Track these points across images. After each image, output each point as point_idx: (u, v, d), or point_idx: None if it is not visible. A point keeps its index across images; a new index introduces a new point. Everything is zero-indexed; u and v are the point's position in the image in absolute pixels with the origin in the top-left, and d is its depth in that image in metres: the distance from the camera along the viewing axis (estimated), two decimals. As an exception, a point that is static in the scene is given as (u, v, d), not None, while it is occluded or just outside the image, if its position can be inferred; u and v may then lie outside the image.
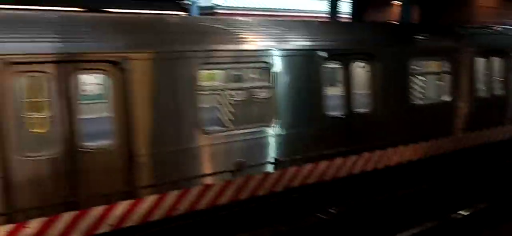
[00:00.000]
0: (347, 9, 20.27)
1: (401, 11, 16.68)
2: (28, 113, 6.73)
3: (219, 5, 31.20)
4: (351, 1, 19.88)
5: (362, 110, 9.63)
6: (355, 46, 9.67)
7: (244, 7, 31.90)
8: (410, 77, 10.40)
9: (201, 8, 25.88)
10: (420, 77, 10.88)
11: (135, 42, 7.16)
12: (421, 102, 10.81)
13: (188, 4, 11.83)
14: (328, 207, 8.67)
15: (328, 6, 19.29)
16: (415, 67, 10.55)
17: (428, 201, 9.55)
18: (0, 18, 6.71)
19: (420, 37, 11.24)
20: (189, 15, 14.28)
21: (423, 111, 10.71)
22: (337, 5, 18.93)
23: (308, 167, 8.48)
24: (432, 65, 11.49)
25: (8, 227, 5.88)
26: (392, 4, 19.53)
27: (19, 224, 5.94)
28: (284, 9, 33.83)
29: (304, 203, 8.53)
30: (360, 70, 9.73)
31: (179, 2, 10.24)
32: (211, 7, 30.78)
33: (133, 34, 7.31)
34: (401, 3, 17.52)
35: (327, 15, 20.16)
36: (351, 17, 19.87)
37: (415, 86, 10.63)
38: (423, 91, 11.00)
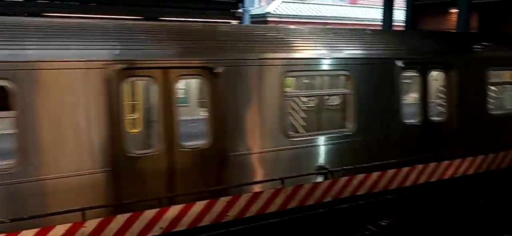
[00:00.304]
0: (401, 17, 19.86)
1: (459, 20, 16.14)
2: (135, 114, 7.67)
3: (270, 13, 31.36)
4: (406, 9, 19.46)
5: (438, 119, 9.81)
6: (433, 55, 9.84)
7: (295, 15, 31.93)
8: (486, 86, 10.37)
9: (253, 16, 26.14)
10: (495, 87, 10.87)
11: (228, 51, 7.81)
12: (497, 111, 10.72)
13: (240, 12, 12.02)
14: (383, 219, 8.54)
15: (382, 14, 18.95)
16: (491, 76, 10.49)
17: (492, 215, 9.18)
18: (116, 27, 7.54)
19: (495, 47, 11.15)
20: (241, 23, 14.47)
21: (499, 121, 10.63)
22: (392, 13, 18.56)
23: (378, 174, 8.47)
24: (507, 75, 11.35)
25: (68, 225, 6.14)
26: (450, 12, 18.94)
27: (78, 222, 6.19)
28: (336, 17, 33.52)
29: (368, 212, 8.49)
30: (436, 79, 10.00)
31: (233, 10, 10.41)
32: (263, 15, 31.01)
33: (226, 43, 7.97)
34: (458, 11, 16.96)
35: (380, 23, 19.81)
36: (405, 25, 19.45)
37: (491, 96, 10.61)
38: (498, 101, 11.04)
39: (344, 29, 11.89)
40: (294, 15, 32.00)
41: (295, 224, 7.78)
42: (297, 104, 9.17)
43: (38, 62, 6.39)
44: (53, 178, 6.53)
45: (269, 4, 33.30)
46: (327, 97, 9.96)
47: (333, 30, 10.26)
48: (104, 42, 7.00)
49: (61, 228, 6.06)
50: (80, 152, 6.68)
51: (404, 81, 9.49)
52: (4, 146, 6.76)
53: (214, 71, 7.47)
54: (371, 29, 10.80)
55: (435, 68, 9.88)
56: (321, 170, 8.29)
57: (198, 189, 7.30)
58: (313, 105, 9.86)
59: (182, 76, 7.52)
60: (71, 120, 6.62)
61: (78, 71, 6.61)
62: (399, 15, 19.94)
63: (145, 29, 7.80)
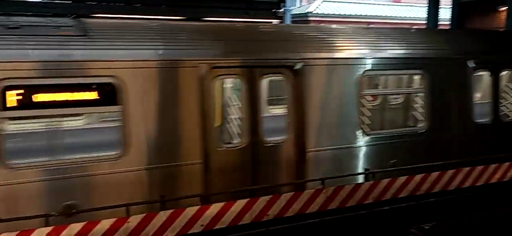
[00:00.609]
0: (446, 15, 19.34)
1: (509, 18, 15.58)
2: (223, 110, 8.24)
3: (311, 13, 31.21)
4: (451, 8, 18.93)
5: (509, 119, 9.96)
6: (504, 54, 9.85)
7: (336, 15, 31.63)
8: None
9: (294, 15, 26.07)
10: None
11: (309, 51, 8.18)
12: None
13: (282, 12, 12.04)
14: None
15: (427, 13, 18.51)
16: None
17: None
18: (204, 29, 8.17)
19: None
20: (282, 22, 14.47)
21: None
22: (437, 12, 18.10)
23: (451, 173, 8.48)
24: None
25: (112, 220, 6.32)
26: (499, 10, 18.29)
27: (122, 218, 6.36)
28: (378, 16, 32.99)
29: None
30: (507, 78, 10.03)
31: (275, 10, 10.47)
32: (305, 15, 30.89)
33: (307, 44, 8.39)
34: (508, 9, 16.37)
35: (424, 22, 19.36)
36: (450, 24, 18.92)
37: None
38: None
39: (418, 29, 12.12)
40: (335, 14, 31.71)
41: (341, 225, 7.78)
42: (373, 102, 9.53)
43: (141, 61, 6.96)
44: (153, 168, 7.06)
45: (310, 3, 33.15)
46: (400, 95, 10.31)
47: (407, 31, 10.62)
48: (196, 43, 7.58)
49: (106, 223, 6.24)
50: (177, 145, 7.22)
51: (475, 80, 9.62)
52: (111, 137, 7.23)
53: (294, 68, 7.82)
54: (441, 29, 10.87)
55: (506, 68, 9.91)
56: (394, 167, 8.43)
57: (278, 182, 7.71)
58: (388, 103, 10.28)
59: (265, 74, 7.91)
60: (170, 114, 7.18)
61: (176, 69, 7.18)
62: (444, 13, 19.42)
63: (230, 30, 8.47)
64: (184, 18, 9.54)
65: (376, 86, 9.92)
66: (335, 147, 8.28)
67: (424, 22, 19.11)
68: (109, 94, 6.82)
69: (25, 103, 6.36)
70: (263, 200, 7.17)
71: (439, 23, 18.17)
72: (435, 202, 8.50)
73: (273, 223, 7.27)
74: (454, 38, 10.17)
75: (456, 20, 18.50)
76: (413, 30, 10.66)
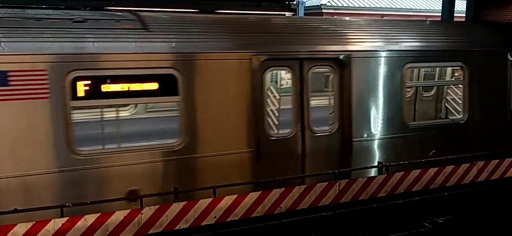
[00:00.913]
0: (462, 7, 19.07)
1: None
2: (274, 101, 8.60)
3: (325, 5, 31.01)
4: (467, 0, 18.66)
5: None
6: None
7: (349, 7, 31.41)
8: None
9: (307, 8, 25.95)
10: None
11: (355, 43, 8.55)
12: None
13: (295, 4, 11.96)
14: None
15: (442, 4, 18.26)
16: None
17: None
18: (256, 22, 8.58)
19: None
20: (294, 15, 14.38)
21: None
22: (453, 4, 17.85)
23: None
24: None
25: (126, 212, 6.38)
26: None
27: (136, 210, 6.42)
28: (392, 8, 32.67)
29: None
30: None
31: (288, 2, 10.43)
32: (318, 7, 30.70)
33: (353, 36, 8.66)
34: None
35: (439, 15, 19.12)
36: (465, 16, 18.66)
37: None
38: None
39: (458, 22, 12.49)
40: (349, 6, 31.49)
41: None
42: (414, 94, 9.86)
43: (199, 53, 7.34)
44: (208, 156, 7.45)
45: (323, -5, 32.89)
46: (440, 87, 10.54)
47: (447, 24, 11.12)
48: (249, 36, 7.94)
49: (120, 214, 6.30)
50: (231, 134, 7.61)
51: None
52: (171, 127, 7.71)
53: (341, 60, 8.20)
54: (481, 21, 11.61)
55: None
56: (434, 158, 8.59)
57: (325, 171, 7.84)
58: (429, 94, 10.52)
59: (314, 66, 8.18)
60: (224, 105, 7.56)
61: (232, 61, 7.55)
62: (459, 5, 19.16)
63: (281, 24, 8.77)
64: (196, 11, 9.52)
65: (417, 78, 10.18)
66: (379, 137, 8.60)
67: (439, 14, 18.87)
68: (170, 85, 7.16)
69: (92, 93, 6.75)
70: (276, 193, 7.18)
71: (455, 15, 17.93)
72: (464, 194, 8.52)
73: (285, 216, 7.28)
74: (494, 31, 10.38)
75: (472, 12, 18.22)
76: (453, 23, 11.05)
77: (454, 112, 9.85)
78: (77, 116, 6.90)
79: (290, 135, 8.07)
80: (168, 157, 7.23)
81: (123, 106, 7.66)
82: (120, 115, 7.58)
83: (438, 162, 8.41)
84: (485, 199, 8.76)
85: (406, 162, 8.22)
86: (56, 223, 5.94)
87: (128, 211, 6.36)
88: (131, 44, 7.00)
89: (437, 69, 10.29)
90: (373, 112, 8.55)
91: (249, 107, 7.65)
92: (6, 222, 5.75)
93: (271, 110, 8.83)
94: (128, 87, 6.96)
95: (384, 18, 13.71)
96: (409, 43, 8.94)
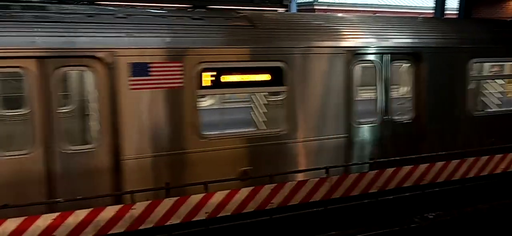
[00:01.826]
0: (453, 5, 19.17)
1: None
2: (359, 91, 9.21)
3: (317, 1, 31.00)
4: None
5: None
6: None
7: (341, 3, 31.41)
8: None
9: (299, 4, 25.86)
10: None
11: (429, 39, 9.41)
12: None
13: (287, 0, 11.93)
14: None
15: (434, 2, 18.35)
16: None
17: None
18: (342, 21, 9.40)
19: None
20: (287, 11, 14.33)
21: None
22: (444, 1, 17.94)
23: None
24: None
25: (118, 207, 6.36)
26: (508, 0, 18.09)
27: (127, 205, 6.41)
28: (384, 5, 32.73)
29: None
30: None
31: (281, -4, 10.47)
32: (311, 3, 30.68)
33: (426, 33, 9.53)
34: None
35: (432, 12, 19.22)
36: (458, 13, 18.76)
37: None
38: None
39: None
40: (340, 3, 31.49)
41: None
42: (480, 86, 10.56)
43: (305, 48, 8.20)
44: (309, 141, 8.26)
45: (315, -9, 32.85)
46: (499, 79, 11.26)
47: (505, 23, 12.01)
48: (345, 33, 8.82)
49: (111, 210, 6.31)
50: (328, 121, 8.44)
51: None
52: (277, 115, 8.48)
53: (418, 55, 9.09)
54: None
55: None
56: (492, 146, 9.12)
57: (401, 156, 8.50)
58: (489, 86, 11.07)
59: (395, 60, 9.06)
60: (324, 95, 8.39)
61: (330, 56, 8.42)
62: (451, 3, 19.27)
63: (368, 22, 9.63)
64: (191, 6, 9.46)
65: (480, 71, 10.73)
66: (450, 127, 9.44)
67: (432, 11, 18.96)
68: (278, 77, 7.99)
69: (215, 83, 7.62)
70: (267, 188, 7.20)
71: (446, 12, 18.02)
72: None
73: (276, 211, 7.31)
74: None
75: (463, 10, 18.32)
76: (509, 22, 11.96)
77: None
78: (203, 103, 7.87)
79: (374, 123, 8.91)
80: (275, 142, 8.02)
81: (237, 95, 8.73)
82: (235, 103, 8.67)
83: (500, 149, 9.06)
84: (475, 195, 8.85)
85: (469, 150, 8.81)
86: (45, 219, 5.94)
87: (120, 206, 6.36)
88: (243, 39, 7.86)
89: (498, 64, 11.33)
90: (444, 103, 9.39)
91: (344, 97, 8.49)
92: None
93: (368, 99, 9.68)
94: (243, 78, 7.89)
95: (421, 16, 14.53)
96: (473, 40, 9.81)
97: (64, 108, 7.81)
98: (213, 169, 7.44)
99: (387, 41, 9.06)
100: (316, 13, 27.10)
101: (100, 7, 7.93)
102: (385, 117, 8.97)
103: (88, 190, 6.67)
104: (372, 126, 8.88)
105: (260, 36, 8.07)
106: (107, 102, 6.93)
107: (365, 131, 8.82)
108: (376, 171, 8.03)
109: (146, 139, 7.21)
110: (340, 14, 11.54)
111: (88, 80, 7.30)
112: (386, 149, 8.85)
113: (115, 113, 6.97)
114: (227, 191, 6.96)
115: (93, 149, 6.99)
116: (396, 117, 9.13)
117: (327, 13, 10.62)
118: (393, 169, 8.09)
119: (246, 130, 8.41)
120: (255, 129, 8.53)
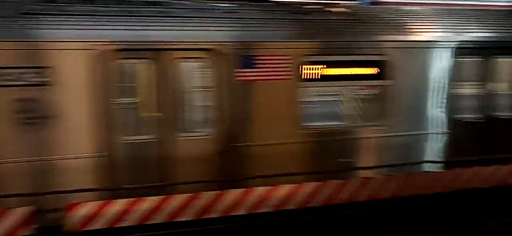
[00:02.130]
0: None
1: None
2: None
3: (384, -6, 30.16)
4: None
5: None
6: None
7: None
8: None
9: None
10: None
11: (501, 33, 8.91)
12: None
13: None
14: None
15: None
16: None
17: None
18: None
19: None
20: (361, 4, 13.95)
21: None
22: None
23: None
24: None
25: (186, 196, 6.55)
26: None
27: (194, 194, 6.57)
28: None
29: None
30: None
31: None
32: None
33: (498, 26, 9.09)
34: None
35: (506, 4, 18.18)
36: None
37: None
38: None
39: None
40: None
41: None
42: None
43: (410, 42, 8.12)
44: (406, 135, 8.17)
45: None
46: None
47: None
48: (449, 27, 8.60)
49: (181, 198, 6.49)
50: (425, 115, 8.26)
51: None
52: (374, 108, 8.31)
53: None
54: None
55: None
56: None
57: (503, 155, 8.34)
58: None
59: (500, 55, 8.70)
60: (423, 88, 8.19)
61: (436, 50, 8.19)
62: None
63: (469, 16, 9.27)
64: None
65: None
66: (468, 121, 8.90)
67: (507, 4, 17.95)
68: (382, 70, 7.92)
69: (314, 76, 7.67)
70: (332, 184, 7.15)
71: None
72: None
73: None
74: None
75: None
76: None
77: None
78: (303, 95, 7.83)
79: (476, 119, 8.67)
80: (373, 135, 8.04)
81: (335, 88, 8.41)
82: (333, 97, 8.42)
83: None
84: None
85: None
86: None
87: (189, 195, 6.50)
88: (350, 34, 7.86)
89: None
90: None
91: (440, 90, 8.29)
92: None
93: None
94: (345, 72, 7.86)
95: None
96: None
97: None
98: (307, 158, 7.65)
99: (494, 33, 8.71)
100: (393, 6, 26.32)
101: (207, 3, 8.13)
102: (488, 113, 8.65)
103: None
104: (475, 122, 8.57)
105: (367, 31, 8.03)
106: (221, 92, 7.25)
107: (466, 127, 8.54)
108: (478, 167, 7.88)
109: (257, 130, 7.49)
110: (438, 7, 11.03)
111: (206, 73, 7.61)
112: (491, 147, 8.55)
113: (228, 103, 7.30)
114: (294, 185, 6.98)
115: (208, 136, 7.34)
116: (499, 114, 8.72)
117: (420, 6, 9.99)
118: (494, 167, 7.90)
119: (344, 123, 8.23)
120: (352, 122, 8.24)
